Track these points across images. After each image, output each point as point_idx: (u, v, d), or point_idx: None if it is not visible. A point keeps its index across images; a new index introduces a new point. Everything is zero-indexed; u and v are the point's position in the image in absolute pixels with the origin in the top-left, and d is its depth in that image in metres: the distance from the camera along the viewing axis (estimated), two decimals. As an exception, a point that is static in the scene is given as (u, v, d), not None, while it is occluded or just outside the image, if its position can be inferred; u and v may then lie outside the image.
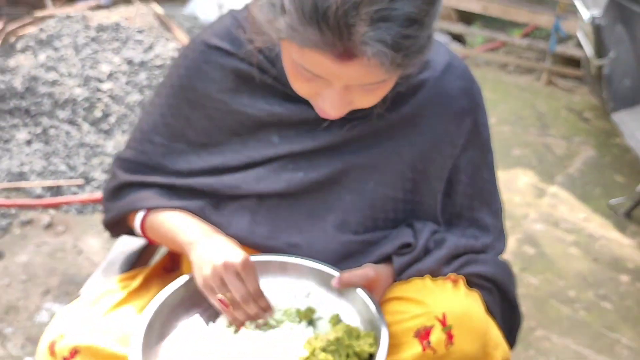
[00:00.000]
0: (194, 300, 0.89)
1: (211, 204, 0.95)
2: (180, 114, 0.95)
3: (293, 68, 0.75)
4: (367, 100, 0.79)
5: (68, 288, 1.92)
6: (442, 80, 0.92)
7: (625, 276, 2.05)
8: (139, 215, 0.97)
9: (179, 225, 0.93)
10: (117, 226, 1.04)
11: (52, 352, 0.84)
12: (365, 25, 0.63)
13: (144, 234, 0.99)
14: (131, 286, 0.96)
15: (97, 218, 2.27)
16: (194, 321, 0.88)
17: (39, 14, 3.70)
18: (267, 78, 0.90)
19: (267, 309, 0.86)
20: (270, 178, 0.92)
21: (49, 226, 2.19)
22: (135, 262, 1.12)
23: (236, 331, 0.86)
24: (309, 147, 0.91)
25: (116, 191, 1.01)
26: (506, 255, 2.14)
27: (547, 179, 2.63)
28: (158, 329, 0.84)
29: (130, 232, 1.05)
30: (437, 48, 0.92)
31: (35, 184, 2.36)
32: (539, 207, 2.43)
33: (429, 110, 0.92)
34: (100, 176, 2.47)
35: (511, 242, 2.19)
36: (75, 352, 0.83)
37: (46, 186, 2.35)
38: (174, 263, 1.13)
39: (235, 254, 0.86)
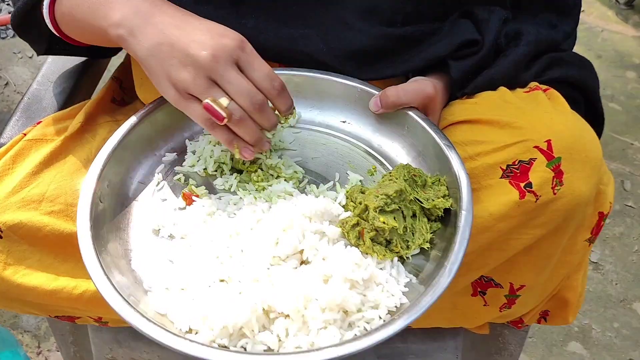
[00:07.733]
0: (160, 142, 0.64)
1: None
2: None
3: None
4: None
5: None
6: None
7: (632, 72, 1.90)
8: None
9: None
10: (30, 24, 0.69)
11: None
12: None
13: (57, 26, 0.65)
14: (68, 130, 0.68)
15: (21, 41, 1.86)
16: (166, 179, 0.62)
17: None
18: None
19: (290, 108, 0.58)
20: None
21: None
22: (72, 92, 0.79)
23: (243, 163, 0.61)
24: None
25: None
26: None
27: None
28: (112, 194, 0.58)
29: (54, 42, 0.70)
30: None
31: None
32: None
33: None
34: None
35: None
36: None
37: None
38: (126, 90, 0.82)
39: (222, 33, 0.54)
